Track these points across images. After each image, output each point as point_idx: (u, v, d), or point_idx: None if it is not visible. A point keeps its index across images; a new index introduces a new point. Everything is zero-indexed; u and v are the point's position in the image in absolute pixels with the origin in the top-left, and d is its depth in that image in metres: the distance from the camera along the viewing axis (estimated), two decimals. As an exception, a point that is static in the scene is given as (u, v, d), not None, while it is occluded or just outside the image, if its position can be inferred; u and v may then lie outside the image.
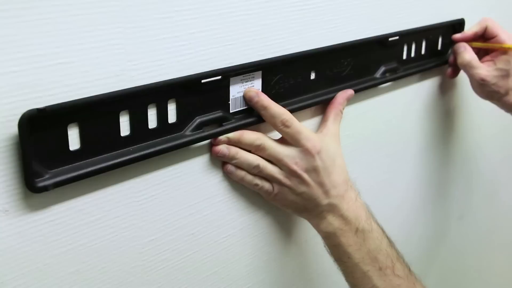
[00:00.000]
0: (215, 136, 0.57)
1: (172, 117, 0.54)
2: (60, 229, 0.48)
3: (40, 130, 0.44)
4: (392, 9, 0.76)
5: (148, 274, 0.56)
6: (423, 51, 0.83)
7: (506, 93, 0.83)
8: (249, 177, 0.61)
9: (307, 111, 0.68)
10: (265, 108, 0.59)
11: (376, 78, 0.76)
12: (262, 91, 0.60)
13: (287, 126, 0.60)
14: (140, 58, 0.50)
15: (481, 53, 0.86)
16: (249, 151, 0.60)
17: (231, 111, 0.59)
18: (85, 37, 0.45)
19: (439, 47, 0.86)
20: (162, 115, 0.53)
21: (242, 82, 0.59)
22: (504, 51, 0.82)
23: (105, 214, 0.51)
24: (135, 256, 0.55)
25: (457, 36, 0.85)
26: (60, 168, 0.46)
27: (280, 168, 0.61)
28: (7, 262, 0.46)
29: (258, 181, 0.61)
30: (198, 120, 0.56)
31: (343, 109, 0.69)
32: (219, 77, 0.56)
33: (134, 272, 0.55)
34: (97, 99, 0.47)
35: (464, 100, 1.00)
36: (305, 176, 0.61)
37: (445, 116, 0.97)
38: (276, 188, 0.62)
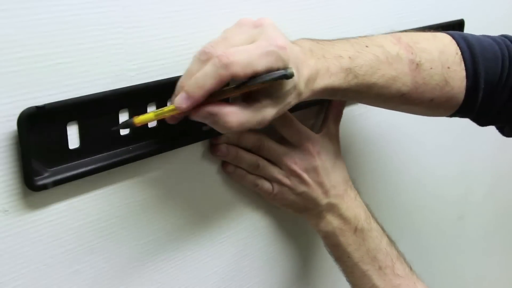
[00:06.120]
0: (215, 135, 0.57)
1: (171, 117, 0.54)
2: (60, 229, 0.48)
3: (40, 128, 0.44)
4: (392, 9, 0.76)
5: (147, 274, 0.56)
6: (423, 51, 0.83)
7: None
8: (249, 177, 0.61)
9: (308, 111, 0.68)
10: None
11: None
12: None
13: (287, 126, 0.61)
14: (140, 58, 0.50)
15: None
16: (249, 151, 0.60)
17: (231, 111, 0.59)
18: (85, 37, 0.45)
19: (439, 47, 0.86)
20: (161, 114, 0.53)
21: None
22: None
23: (104, 214, 0.51)
24: (135, 256, 0.55)
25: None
26: (60, 166, 0.47)
27: (280, 168, 0.61)
28: (7, 262, 0.46)
29: (258, 181, 0.61)
30: (198, 119, 0.56)
31: (343, 109, 0.69)
32: (219, 76, 0.56)
33: (134, 272, 0.55)
34: (97, 97, 0.47)
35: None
36: (305, 175, 0.61)
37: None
38: (276, 188, 0.62)
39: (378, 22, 0.74)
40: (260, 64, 0.44)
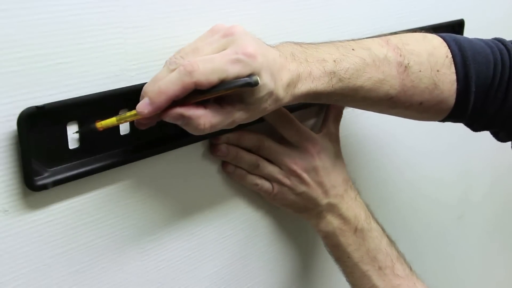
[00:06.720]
0: (215, 135, 0.57)
1: (171, 117, 0.53)
2: (60, 229, 0.48)
3: (39, 128, 0.44)
4: (392, 9, 0.76)
5: (148, 274, 0.56)
6: (423, 51, 0.83)
7: None
8: (249, 177, 0.61)
9: (308, 111, 0.68)
10: None
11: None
12: None
13: (287, 126, 0.61)
14: (140, 58, 0.50)
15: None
16: (249, 151, 0.60)
17: (231, 111, 0.59)
18: (85, 37, 0.45)
19: (439, 47, 0.86)
20: (161, 114, 0.53)
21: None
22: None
23: (104, 214, 0.51)
24: (135, 256, 0.55)
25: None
26: (60, 166, 0.47)
27: (280, 168, 0.61)
28: (7, 262, 0.46)
29: (258, 180, 0.61)
30: (197, 119, 0.56)
31: (344, 109, 0.69)
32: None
33: (134, 272, 0.55)
34: (96, 97, 0.47)
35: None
36: (305, 175, 0.61)
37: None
38: (276, 187, 0.62)
39: (378, 22, 0.74)
40: (226, 72, 0.44)
